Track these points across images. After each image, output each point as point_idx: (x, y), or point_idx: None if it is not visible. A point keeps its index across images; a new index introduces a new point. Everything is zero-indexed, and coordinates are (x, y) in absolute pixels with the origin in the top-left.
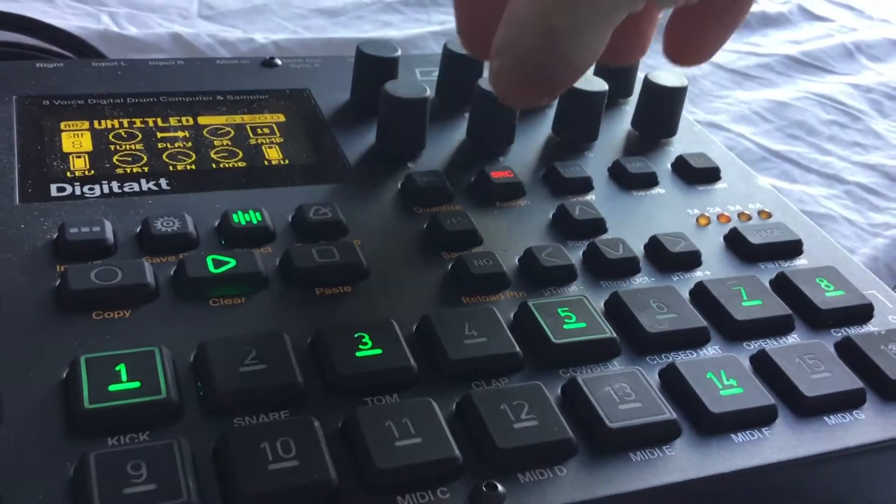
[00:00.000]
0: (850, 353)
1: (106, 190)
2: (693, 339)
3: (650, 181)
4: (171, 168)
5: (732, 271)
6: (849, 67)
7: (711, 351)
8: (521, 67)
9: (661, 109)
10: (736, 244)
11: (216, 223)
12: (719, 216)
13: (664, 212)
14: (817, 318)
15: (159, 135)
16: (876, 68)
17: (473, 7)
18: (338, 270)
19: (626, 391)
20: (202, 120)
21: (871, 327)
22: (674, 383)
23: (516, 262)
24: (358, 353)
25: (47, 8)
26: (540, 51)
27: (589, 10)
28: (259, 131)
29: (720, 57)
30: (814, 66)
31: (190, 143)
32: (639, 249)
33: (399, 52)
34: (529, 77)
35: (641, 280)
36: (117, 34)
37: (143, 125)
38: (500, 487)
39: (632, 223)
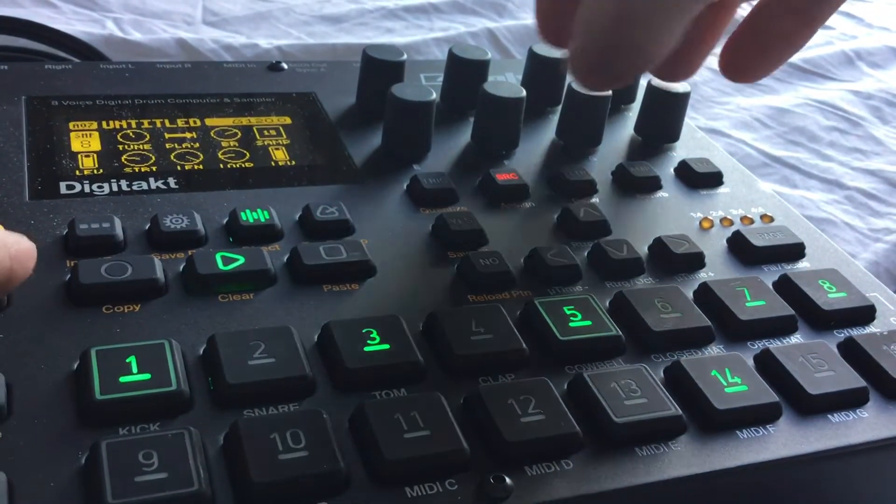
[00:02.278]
0: (853, 352)
1: (115, 188)
2: (697, 338)
3: (653, 185)
4: (179, 167)
5: (735, 273)
6: (849, 74)
7: (715, 350)
8: (595, 51)
9: (664, 115)
10: (739, 247)
11: (224, 221)
12: (722, 220)
13: (667, 215)
14: (820, 319)
15: (167, 135)
16: (876, 75)
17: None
18: (345, 268)
19: (631, 387)
20: (209, 121)
21: (873, 328)
22: (679, 380)
23: (522, 261)
24: (366, 348)
25: (52, 14)
26: (614, 35)
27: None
28: (266, 133)
29: None
30: (814, 72)
31: (198, 144)
32: (643, 251)
33: (405, 56)
34: (602, 61)
35: (645, 281)
36: (122, 40)
37: (150, 126)
38: (507, 480)
39: (635, 225)
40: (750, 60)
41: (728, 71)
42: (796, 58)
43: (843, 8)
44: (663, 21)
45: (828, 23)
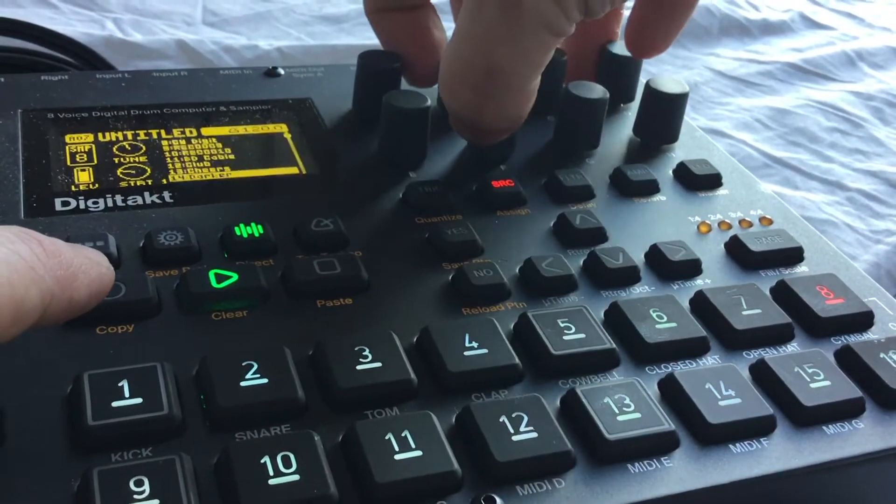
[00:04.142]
0: (849, 361)
1: (110, 203)
2: (692, 349)
3: (651, 188)
4: (174, 180)
5: (733, 279)
6: (850, 75)
7: (711, 360)
8: (466, 125)
9: (663, 115)
10: (736, 252)
11: (219, 236)
12: (720, 223)
13: (665, 219)
14: (817, 327)
15: (163, 146)
16: (877, 76)
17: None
18: (339, 283)
19: (624, 402)
20: (206, 131)
21: (871, 335)
22: (672, 394)
23: (517, 271)
24: (358, 367)
25: (52, 14)
26: (471, 122)
27: (514, 76)
28: (262, 142)
29: (722, 64)
30: (815, 73)
31: (193, 155)
32: (639, 258)
33: (400, 63)
34: (474, 131)
35: (642, 289)
36: (122, 40)
37: (147, 137)
38: (498, 500)
39: (632, 231)
40: (649, 35)
41: (635, 51)
42: (797, 58)
43: (844, 8)
44: (510, 101)
45: (829, 23)
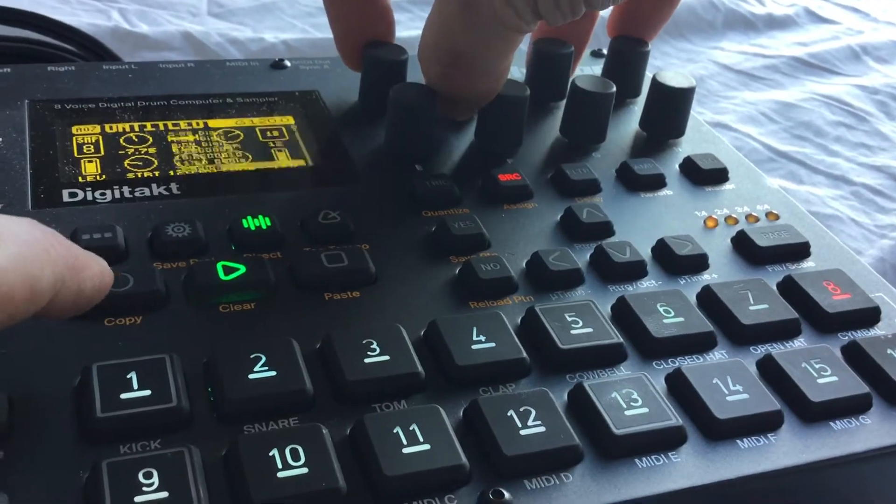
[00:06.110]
0: (856, 357)
1: (117, 195)
2: (700, 344)
3: (658, 182)
4: (181, 172)
5: (740, 274)
6: (855, 69)
7: (718, 355)
8: (442, 95)
9: (669, 110)
10: (743, 247)
11: (226, 228)
12: (727, 218)
13: (672, 214)
14: (824, 322)
15: (170, 138)
16: (882, 70)
17: (345, 31)
18: (346, 275)
19: (632, 397)
20: (212, 123)
21: (878, 330)
22: (680, 389)
23: (524, 265)
24: (366, 360)
25: (58, 4)
26: (444, 91)
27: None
28: (269, 134)
29: (727, 58)
30: (820, 67)
31: (200, 147)
32: (646, 252)
33: (407, 55)
34: (450, 102)
35: (649, 283)
36: (127, 31)
37: (153, 128)
38: (506, 494)
39: (639, 225)
40: (636, 28)
41: (615, 30)
42: (803, 52)
43: (849, 3)
44: (483, 67)
45: (834, 17)
